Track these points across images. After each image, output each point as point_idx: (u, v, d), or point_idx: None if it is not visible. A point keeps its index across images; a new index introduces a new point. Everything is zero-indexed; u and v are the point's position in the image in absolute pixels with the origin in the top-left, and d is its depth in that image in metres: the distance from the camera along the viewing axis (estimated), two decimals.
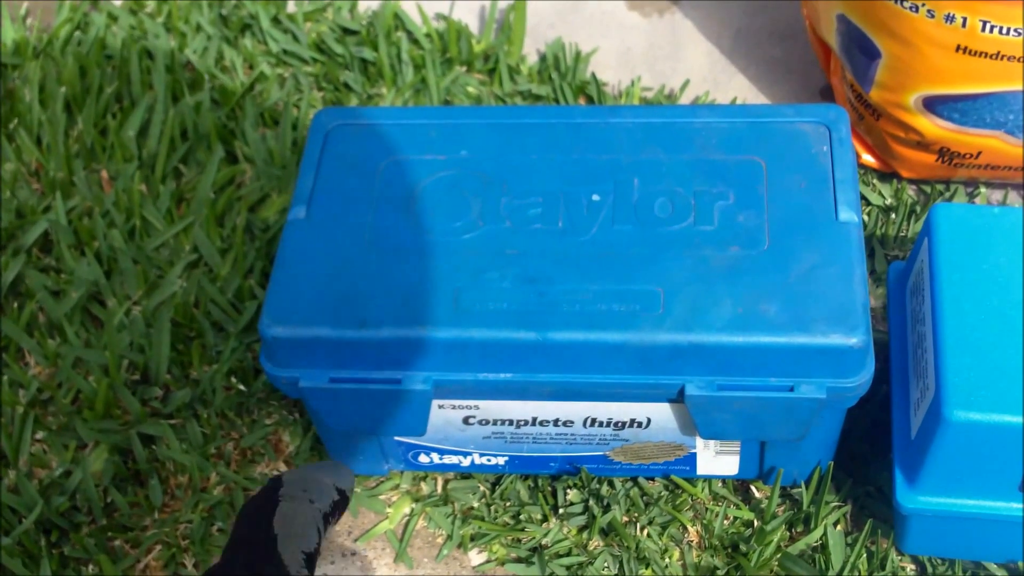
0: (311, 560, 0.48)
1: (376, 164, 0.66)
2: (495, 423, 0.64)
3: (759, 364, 0.59)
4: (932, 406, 0.57)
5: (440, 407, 0.63)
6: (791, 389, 0.59)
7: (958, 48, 0.68)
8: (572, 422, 0.64)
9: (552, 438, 0.65)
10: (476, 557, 0.69)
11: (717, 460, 0.66)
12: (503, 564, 0.68)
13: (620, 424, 0.64)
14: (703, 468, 0.67)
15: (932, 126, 0.73)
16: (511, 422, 0.64)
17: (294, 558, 0.48)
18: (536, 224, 0.63)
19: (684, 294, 0.60)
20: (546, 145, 0.67)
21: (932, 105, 0.72)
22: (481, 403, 0.63)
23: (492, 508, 0.69)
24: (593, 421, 0.64)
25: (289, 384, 0.61)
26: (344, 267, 0.62)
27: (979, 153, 0.73)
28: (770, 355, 0.58)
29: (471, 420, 0.64)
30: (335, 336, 0.60)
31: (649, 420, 0.63)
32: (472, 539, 0.69)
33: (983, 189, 0.77)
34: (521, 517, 0.69)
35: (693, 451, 0.66)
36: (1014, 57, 0.67)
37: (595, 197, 0.64)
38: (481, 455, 0.68)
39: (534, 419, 0.64)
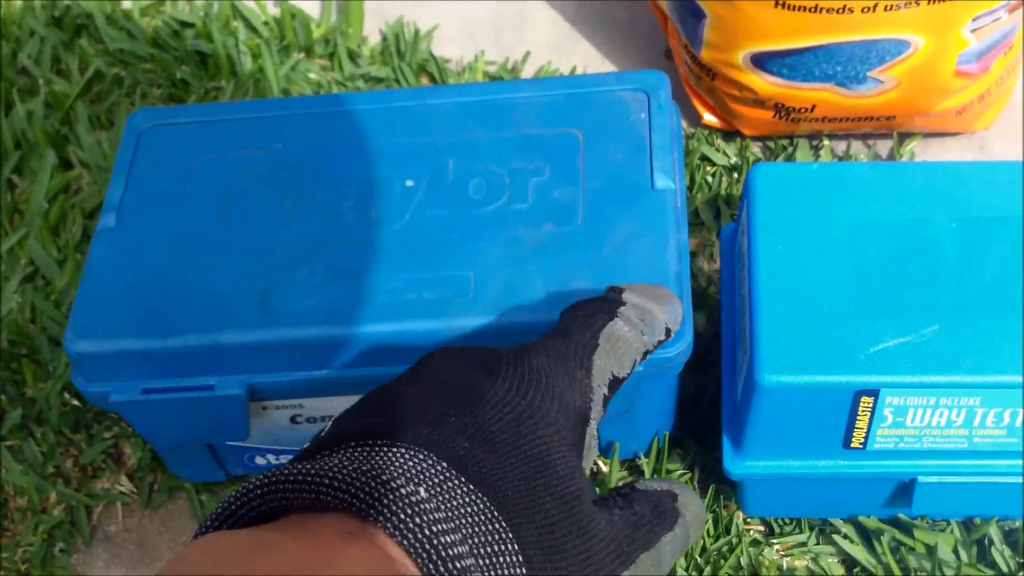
0: (614, 385, 0.47)
1: (188, 165, 0.66)
2: (323, 420, 0.64)
3: None
4: (747, 371, 0.57)
5: (264, 408, 0.63)
6: None
7: (777, 3, 0.68)
8: None
9: None
10: None
11: None
12: None
13: None
14: None
15: (763, 83, 0.72)
16: None
17: (603, 375, 0.47)
18: (349, 215, 0.63)
19: (495, 277, 0.59)
20: (362, 132, 0.66)
21: (761, 62, 0.71)
22: (305, 401, 0.63)
23: None
24: None
25: (101, 399, 0.61)
26: (152, 275, 0.62)
27: (814, 107, 0.73)
28: None
29: (298, 419, 0.64)
30: (143, 347, 0.59)
31: None
32: None
33: (827, 142, 0.77)
34: None
35: None
36: (832, 9, 0.67)
37: (409, 183, 0.64)
38: None
39: None
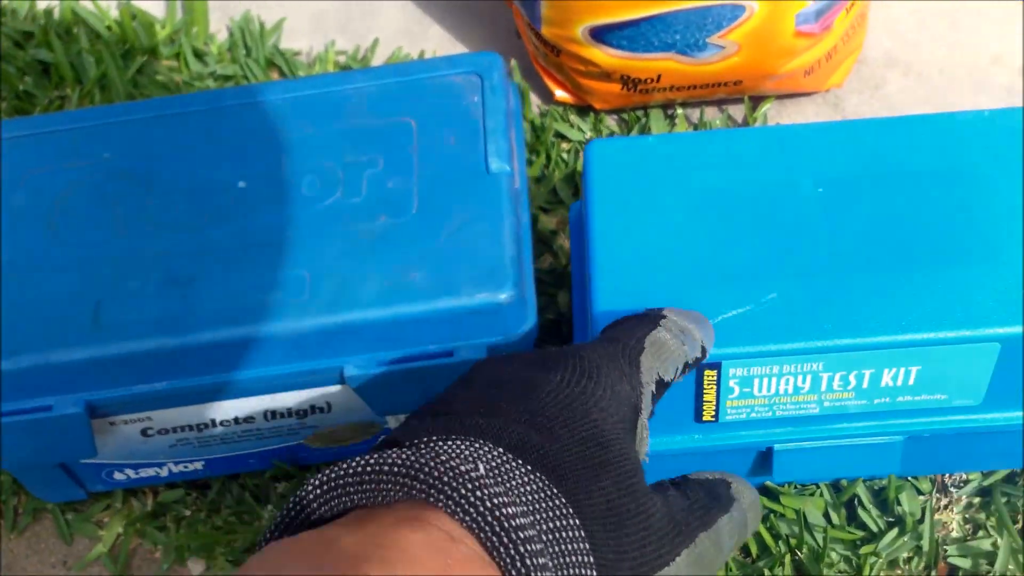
0: (660, 388, 0.47)
1: (15, 181, 0.64)
2: (175, 431, 0.63)
3: (415, 334, 0.58)
4: None
5: (112, 424, 0.62)
6: (451, 354, 0.58)
7: None
8: (253, 418, 0.63)
9: (240, 436, 0.64)
10: (196, 567, 0.67)
11: None
12: (222, 569, 0.66)
13: (302, 412, 0.63)
14: None
15: (606, 56, 0.72)
16: (191, 427, 0.63)
17: (650, 374, 0.47)
18: (180, 222, 0.61)
19: (331, 274, 0.58)
20: (193, 135, 0.65)
21: (600, 35, 0.71)
22: (152, 414, 0.61)
23: (206, 515, 0.68)
24: (274, 414, 0.63)
25: None
26: None
27: (659, 76, 0.73)
28: (423, 324, 0.58)
29: (149, 432, 0.63)
30: None
31: (329, 405, 0.62)
32: (190, 549, 0.67)
33: (680, 110, 0.77)
34: (245, 518, 0.68)
35: (387, 426, 0.65)
36: None
37: (241, 184, 0.62)
38: (176, 463, 0.66)
39: (213, 421, 0.62)
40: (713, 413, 0.58)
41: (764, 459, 0.61)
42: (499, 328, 0.58)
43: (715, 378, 0.56)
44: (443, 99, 0.64)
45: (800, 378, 0.56)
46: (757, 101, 0.77)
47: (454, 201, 0.60)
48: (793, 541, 0.62)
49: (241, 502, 0.68)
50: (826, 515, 0.64)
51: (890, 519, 0.63)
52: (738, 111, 0.77)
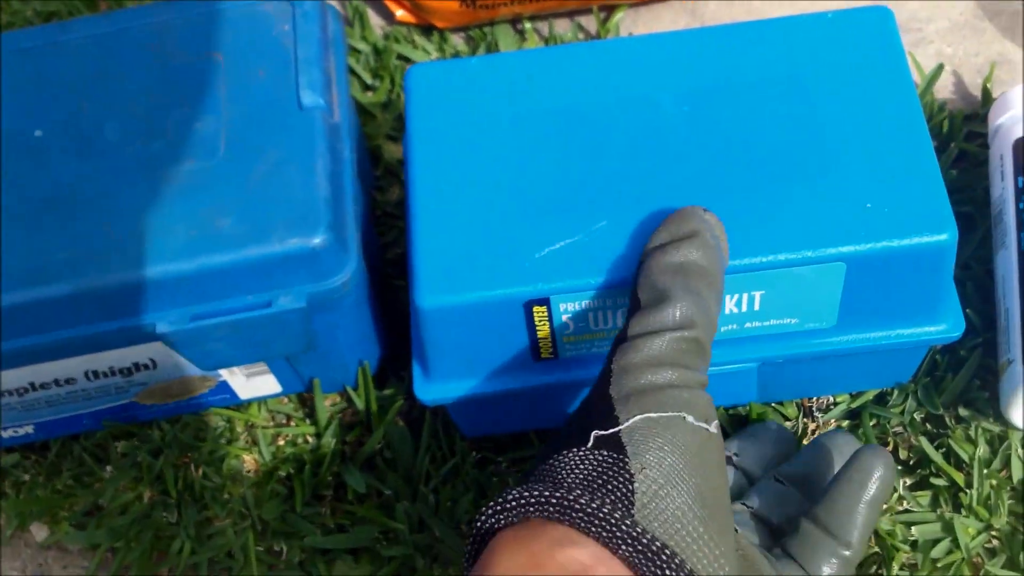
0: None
1: None
2: (15, 392, 0.59)
3: (230, 285, 0.55)
4: (411, 294, 0.54)
5: None
6: (268, 304, 0.55)
7: None
8: (74, 379, 0.59)
9: (66, 397, 0.61)
10: (40, 532, 0.65)
11: (253, 382, 0.63)
12: (66, 533, 0.64)
13: (126, 371, 0.59)
14: (244, 393, 0.64)
15: None
16: (11, 392, 0.59)
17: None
18: None
19: (136, 226, 0.55)
20: None
21: None
22: None
23: (45, 478, 0.65)
24: (96, 374, 0.59)
25: None
26: None
27: None
28: (236, 274, 0.54)
29: None
30: None
31: (153, 362, 0.59)
32: (32, 514, 0.64)
33: (528, 24, 0.73)
34: (85, 480, 0.65)
35: (222, 379, 0.62)
36: None
37: (37, 133, 0.58)
38: (6, 428, 0.63)
39: (32, 384, 0.59)
40: (551, 350, 0.56)
41: None
42: (319, 273, 0.55)
43: (546, 314, 0.53)
44: (252, 30, 0.60)
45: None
46: (611, 10, 0.73)
47: (264, 140, 0.56)
48: None
49: (81, 463, 0.65)
50: None
51: None
52: (592, 22, 0.74)
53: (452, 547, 0.59)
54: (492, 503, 0.42)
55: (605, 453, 0.42)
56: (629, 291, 0.50)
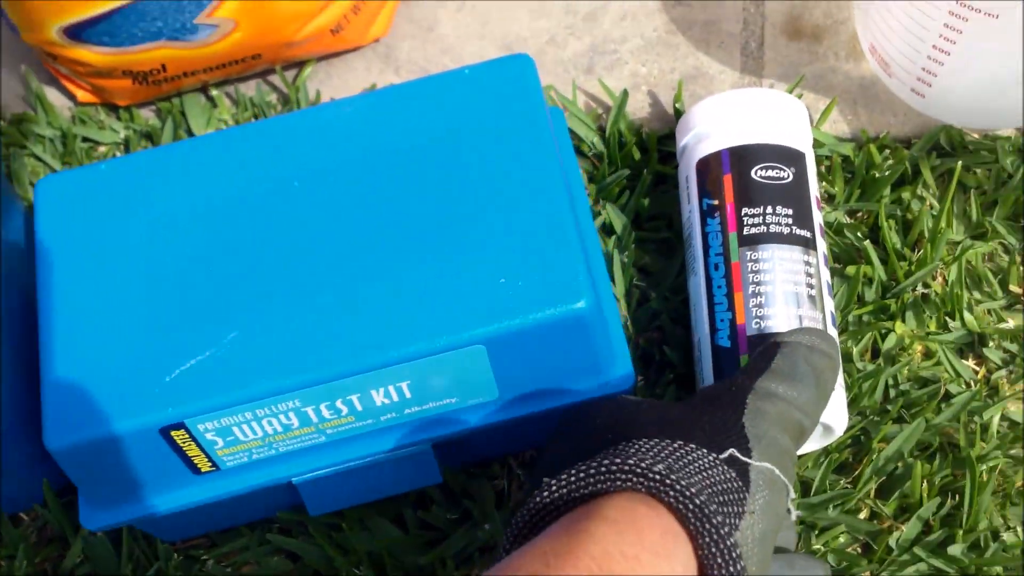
0: None
1: None
2: None
3: None
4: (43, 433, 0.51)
5: None
6: None
7: None
8: None
9: None
10: None
11: None
12: None
13: None
14: None
15: (94, 54, 0.65)
16: None
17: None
18: None
19: None
20: None
21: (76, 34, 0.64)
22: None
23: None
24: None
25: None
26: None
27: (164, 66, 0.66)
28: None
29: None
30: None
31: None
32: None
33: (215, 92, 0.70)
34: None
35: None
36: None
37: None
38: None
39: None
40: (211, 465, 0.54)
41: (292, 493, 0.57)
42: None
43: (187, 436, 0.51)
44: None
45: (282, 416, 0.52)
46: (301, 66, 0.70)
47: None
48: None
49: None
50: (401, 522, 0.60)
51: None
52: (285, 78, 0.71)
53: None
54: (612, 461, 0.42)
55: (733, 474, 0.44)
56: (265, 404, 0.49)
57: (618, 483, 0.42)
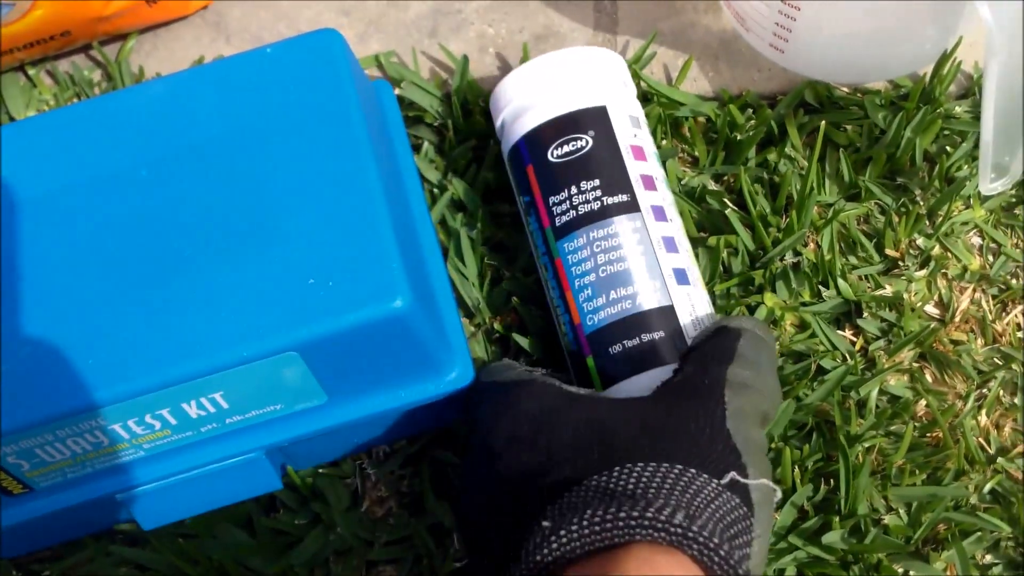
0: None
1: None
2: None
3: None
4: None
5: None
6: None
7: None
8: None
9: None
10: None
11: None
12: None
13: None
14: None
15: None
16: None
17: None
18: None
19: None
20: None
21: None
22: None
23: None
24: None
25: None
26: None
27: None
28: None
29: None
30: None
31: None
32: None
33: (32, 70, 0.67)
34: None
35: None
36: None
37: None
38: None
39: None
40: (24, 486, 0.51)
41: (123, 507, 0.54)
42: None
43: None
44: None
45: (88, 436, 0.49)
46: (125, 40, 0.67)
47: None
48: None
49: None
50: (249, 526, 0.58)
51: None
52: (112, 50, 0.68)
53: None
54: (628, 511, 0.41)
55: (738, 501, 0.44)
56: (65, 425, 0.46)
57: (637, 536, 0.41)
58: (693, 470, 0.44)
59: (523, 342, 0.58)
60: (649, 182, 0.54)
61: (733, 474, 0.44)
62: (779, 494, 0.47)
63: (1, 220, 0.51)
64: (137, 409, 0.48)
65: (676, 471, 0.43)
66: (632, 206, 0.53)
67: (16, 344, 0.48)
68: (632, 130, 0.55)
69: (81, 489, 0.52)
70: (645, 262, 0.52)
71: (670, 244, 0.54)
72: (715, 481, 0.44)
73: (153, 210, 0.50)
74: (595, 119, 0.55)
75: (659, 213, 0.54)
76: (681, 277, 0.53)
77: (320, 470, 0.58)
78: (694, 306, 0.52)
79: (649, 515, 0.41)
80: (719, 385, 0.47)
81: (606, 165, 0.54)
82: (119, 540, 0.58)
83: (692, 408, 0.46)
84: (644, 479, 0.43)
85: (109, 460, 0.51)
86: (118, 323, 0.48)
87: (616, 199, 0.53)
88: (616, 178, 0.54)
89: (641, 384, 0.51)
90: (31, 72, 0.67)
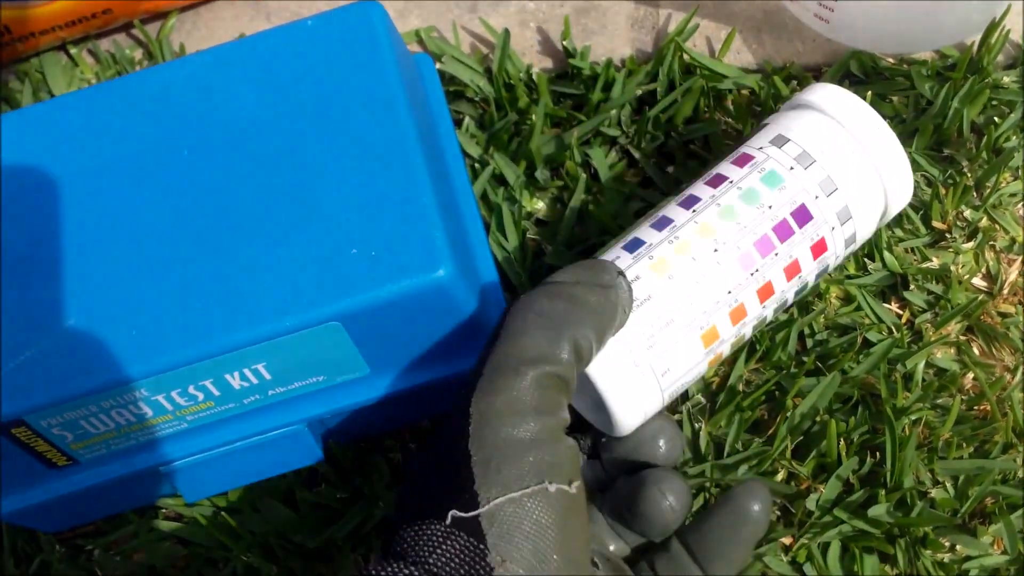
0: None
1: None
2: None
3: None
4: None
5: None
6: None
7: None
8: None
9: None
10: None
11: None
12: None
13: None
14: None
15: None
16: None
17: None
18: None
19: None
20: None
21: None
22: None
23: None
24: None
25: None
26: None
27: (7, 28, 0.64)
28: None
29: None
30: None
31: None
32: None
33: (74, 50, 0.68)
34: None
35: None
36: None
37: None
38: None
39: None
40: (68, 459, 0.53)
41: (166, 480, 0.56)
42: None
43: (31, 433, 0.50)
44: None
45: (132, 407, 0.51)
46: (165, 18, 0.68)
47: None
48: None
49: None
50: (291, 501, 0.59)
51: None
52: (152, 30, 0.69)
53: None
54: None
55: (465, 538, 0.41)
56: (110, 396, 0.47)
57: None
58: (431, 519, 0.41)
59: None
60: None
61: (453, 512, 0.41)
62: (553, 487, 0.42)
63: (47, 196, 0.52)
64: (180, 380, 0.49)
65: (422, 525, 0.42)
66: None
67: (61, 316, 0.49)
68: None
69: (125, 461, 0.54)
70: None
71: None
72: (438, 523, 0.41)
73: (195, 183, 0.51)
74: None
75: None
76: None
77: (362, 445, 0.59)
78: None
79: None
80: (463, 414, 0.43)
81: None
82: (161, 515, 0.60)
83: (443, 446, 0.44)
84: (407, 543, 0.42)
85: (152, 432, 0.52)
86: (162, 295, 0.49)
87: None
88: None
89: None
90: (73, 51, 0.68)
